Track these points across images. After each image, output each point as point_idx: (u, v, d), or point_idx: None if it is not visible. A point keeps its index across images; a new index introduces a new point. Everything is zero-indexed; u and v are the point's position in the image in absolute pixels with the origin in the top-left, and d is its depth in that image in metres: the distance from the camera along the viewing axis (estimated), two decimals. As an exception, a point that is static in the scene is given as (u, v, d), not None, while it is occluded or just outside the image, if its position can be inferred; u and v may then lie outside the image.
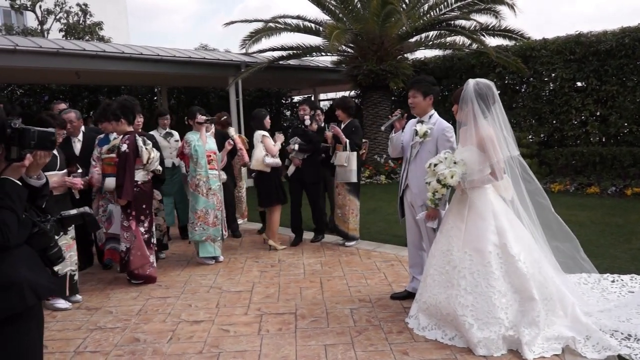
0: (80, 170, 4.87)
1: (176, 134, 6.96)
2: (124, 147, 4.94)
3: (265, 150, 6.13)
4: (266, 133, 6.25)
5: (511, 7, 11.42)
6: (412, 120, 4.35)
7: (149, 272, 5.15)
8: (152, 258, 5.20)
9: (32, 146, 2.06)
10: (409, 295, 4.33)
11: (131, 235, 5.05)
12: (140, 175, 5.08)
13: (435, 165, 3.65)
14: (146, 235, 5.12)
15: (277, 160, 6.19)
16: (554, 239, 3.79)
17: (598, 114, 10.60)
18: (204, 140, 5.76)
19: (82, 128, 5.95)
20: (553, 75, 10.99)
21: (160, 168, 5.31)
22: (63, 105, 6.30)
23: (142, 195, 5.09)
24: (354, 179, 6.10)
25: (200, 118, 5.77)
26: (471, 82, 3.63)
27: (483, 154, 3.55)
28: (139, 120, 6.05)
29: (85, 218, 2.50)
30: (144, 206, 5.12)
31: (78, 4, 17.95)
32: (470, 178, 3.59)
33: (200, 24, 56.05)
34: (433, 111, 4.25)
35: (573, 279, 4.27)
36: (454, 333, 3.53)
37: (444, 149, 3.99)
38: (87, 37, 17.62)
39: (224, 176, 6.25)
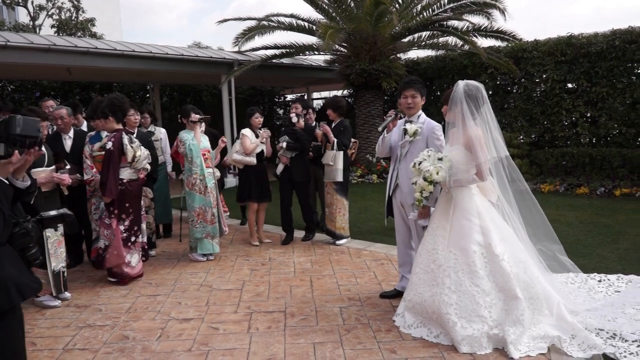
0: (68, 167, 4.85)
1: (159, 132, 6.92)
2: (109, 145, 4.95)
3: (242, 147, 6.22)
4: (246, 131, 6.29)
5: (502, 11, 11.47)
6: (400, 121, 4.36)
7: (126, 271, 5.11)
8: (130, 257, 5.11)
9: (19, 132, 2.07)
10: (398, 294, 4.35)
11: (111, 233, 5.05)
12: (126, 174, 5.06)
13: (420, 163, 3.68)
14: (125, 234, 5.09)
15: (246, 158, 6.20)
16: (539, 241, 3.83)
17: (588, 115, 10.69)
18: (198, 139, 5.77)
19: (84, 125, 5.95)
20: (544, 76, 11.06)
21: (148, 167, 5.27)
22: (51, 102, 6.26)
23: (126, 194, 5.07)
24: (340, 178, 6.12)
25: (194, 117, 5.78)
26: (461, 84, 3.66)
27: (469, 154, 3.59)
28: (136, 117, 6.04)
29: (65, 219, 2.50)
30: (127, 204, 5.09)
31: (70, 0, 17.84)
32: (456, 177, 3.62)
33: (194, 22, 55.88)
34: (421, 111, 4.28)
35: (560, 279, 4.32)
36: (439, 331, 3.57)
37: (434, 147, 4.02)
38: (79, 34, 17.53)
39: (217, 173, 6.28)
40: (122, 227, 5.07)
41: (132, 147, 5.00)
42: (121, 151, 4.98)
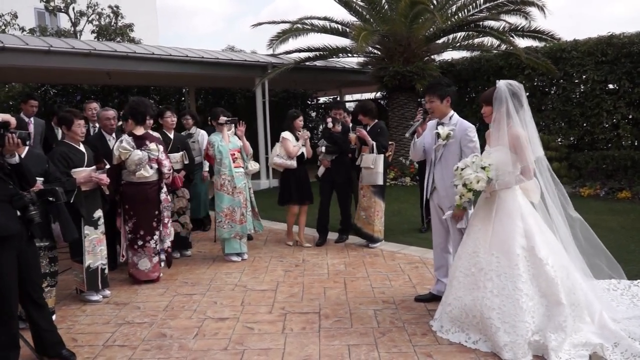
0: (108, 167, 4.98)
1: (197, 135, 7.02)
2: None
3: (284, 150, 6.19)
4: (287, 134, 6.26)
5: (541, 8, 11.22)
6: (432, 123, 4.31)
7: (132, 272, 5.23)
8: (137, 260, 5.15)
9: None
10: (434, 298, 4.31)
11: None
12: (124, 175, 5.13)
13: (463, 169, 3.63)
14: (130, 235, 5.16)
15: (287, 162, 6.20)
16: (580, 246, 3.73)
17: (630, 117, 10.35)
18: (226, 140, 5.83)
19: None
20: (584, 77, 10.77)
21: (146, 174, 5.07)
22: (95, 105, 6.45)
23: (123, 195, 5.16)
24: (380, 182, 6.09)
25: (222, 119, 5.86)
26: (503, 82, 3.60)
27: (514, 155, 3.52)
28: (173, 119, 6.15)
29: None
30: (126, 206, 5.14)
31: (110, 6, 18.32)
32: (502, 179, 3.55)
33: (228, 26, 56.54)
34: (452, 112, 4.22)
35: (602, 285, 4.20)
36: (477, 337, 3.51)
37: (467, 149, 3.98)
38: (118, 39, 17.98)
39: (256, 166, 6.32)
40: (127, 228, 5.18)
41: (119, 150, 5.02)
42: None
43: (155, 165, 5.15)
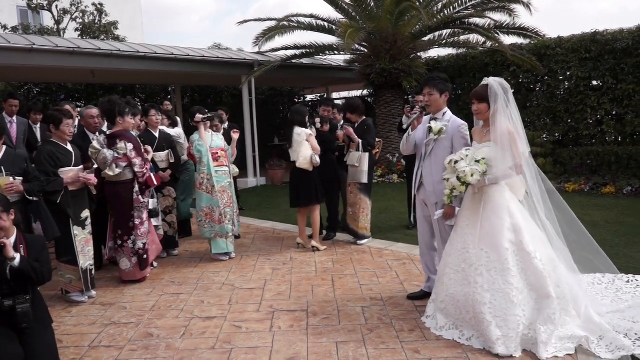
0: (95, 166, 4.92)
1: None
2: None
3: (313, 148, 5.92)
4: (312, 131, 6.01)
5: (526, 5, 11.31)
6: (425, 118, 4.32)
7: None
8: (119, 259, 5.14)
9: None
10: (425, 295, 4.30)
11: None
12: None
13: (456, 162, 3.61)
14: (113, 234, 5.18)
15: (318, 160, 5.98)
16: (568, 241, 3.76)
17: (614, 113, 10.46)
18: (203, 139, 5.78)
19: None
20: (568, 73, 10.87)
21: (110, 173, 4.96)
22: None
23: (105, 194, 5.16)
24: (365, 180, 6.08)
25: (197, 117, 5.82)
26: (493, 80, 3.62)
27: (503, 151, 3.53)
28: (158, 118, 6.07)
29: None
30: (108, 205, 5.19)
31: (94, 4, 18.17)
32: (492, 175, 3.56)
33: (215, 24, 56.30)
34: (446, 108, 4.22)
35: (587, 279, 4.25)
36: (471, 333, 3.51)
37: (459, 145, 3.97)
38: (102, 37, 17.82)
39: (236, 170, 6.27)
40: (112, 227, 5.20)
41: (90, 150, 4.99)
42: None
43: (123, 164, 5.03)
